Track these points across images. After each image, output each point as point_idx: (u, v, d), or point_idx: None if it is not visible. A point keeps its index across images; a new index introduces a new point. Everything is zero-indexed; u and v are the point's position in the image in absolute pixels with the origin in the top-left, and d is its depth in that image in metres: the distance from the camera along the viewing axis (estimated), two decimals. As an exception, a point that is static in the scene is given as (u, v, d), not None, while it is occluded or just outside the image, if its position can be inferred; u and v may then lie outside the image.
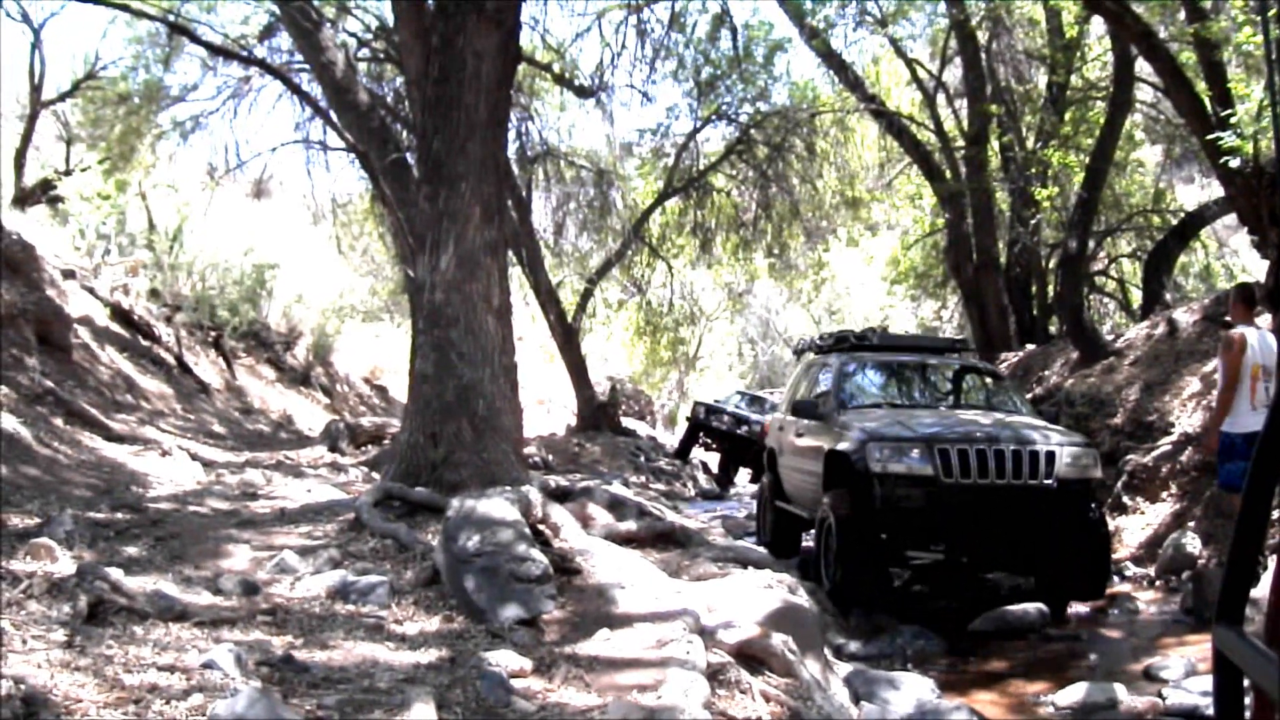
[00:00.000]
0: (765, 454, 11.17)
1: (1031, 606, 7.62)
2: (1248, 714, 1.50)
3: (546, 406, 30.26)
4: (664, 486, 16.76)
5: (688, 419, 22.53)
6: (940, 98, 19.00)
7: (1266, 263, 10.04)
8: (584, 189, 22.63)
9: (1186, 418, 10.03)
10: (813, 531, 9.13)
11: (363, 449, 13.20)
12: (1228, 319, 9.40)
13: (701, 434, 21.25)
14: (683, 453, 21.40)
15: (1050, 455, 7.62)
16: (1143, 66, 14.67)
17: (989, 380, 10.31)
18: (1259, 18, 8.35)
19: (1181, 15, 11.62)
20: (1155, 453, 9.88)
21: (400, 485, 7.13)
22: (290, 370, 19.46)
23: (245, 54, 15.71)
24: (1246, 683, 1.44)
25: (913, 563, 8.55)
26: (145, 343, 14.85)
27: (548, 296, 20.83)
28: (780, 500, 10.29)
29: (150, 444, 10.22)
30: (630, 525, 7.26)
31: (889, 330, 13.38)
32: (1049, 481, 7.55)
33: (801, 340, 13.10)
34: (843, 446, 8.03)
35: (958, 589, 8.88)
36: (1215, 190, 16.86)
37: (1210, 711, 1.64)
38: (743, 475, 21.64)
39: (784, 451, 10.29)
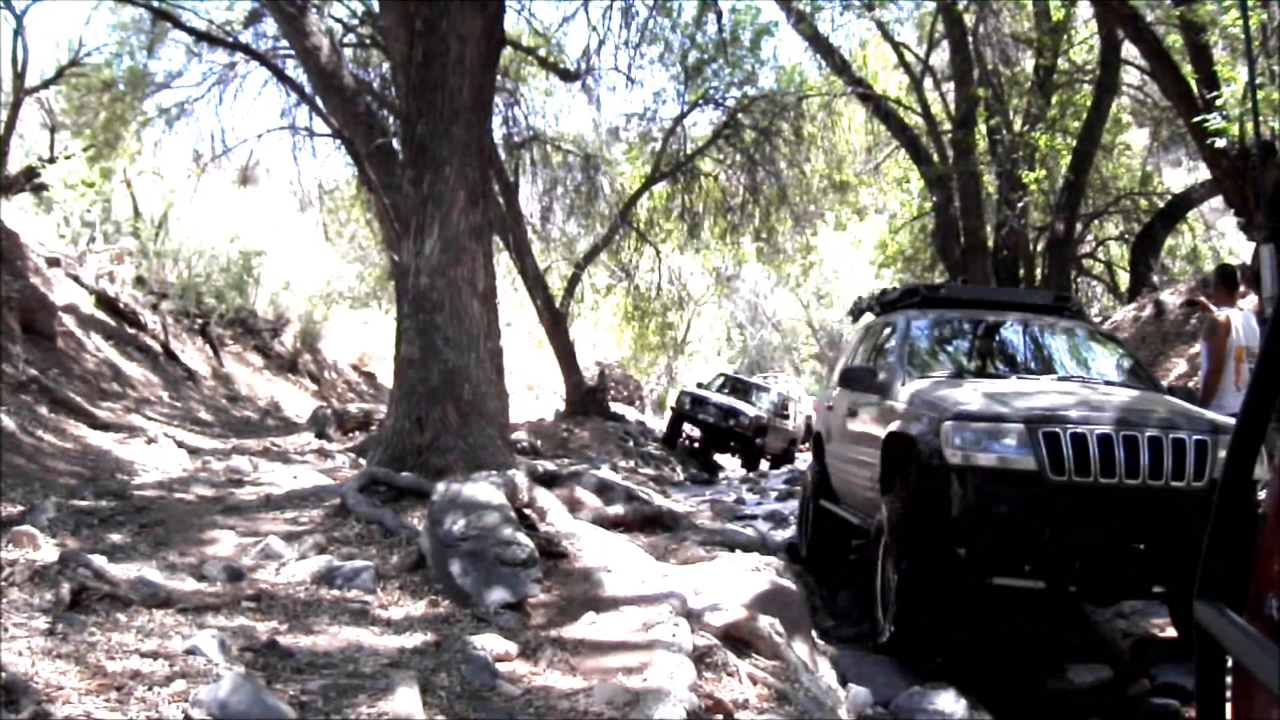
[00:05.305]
0: (811, 439, 9.37)
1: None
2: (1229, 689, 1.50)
3: (535, 392, 30.27)
4: (653, 471, 16.76)
5: (672, 409, 22.50)
6: (927, 81, 19.04)
7: (1252, 244, 10.06)
8: (571, 174, 22.59)
9: (1172, 399, 10.04)
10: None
11: (350, 435, 13.16)
12: (1195, 300, 9.41)
13: (687, 424, 21.23)
14: (670, 440, 21.40)
15: (1202, 446, 5.33)
16: (1129, 50, 14.70)
17: (1107, 348, 7.57)
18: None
19: (1168, -2, 11.63)
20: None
21: (386, 470, 7.11)
22: (277, 357, 19.39)
23: (230, 40, 15.62)
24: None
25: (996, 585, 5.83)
26: (131, 330, 14.78)
27: (535, 282, 20.78)
28: (826, 499, 8.18)
29: (136, 431, 10.17)
30: (618, 509, 7.26)
31: (968, 283, 11.28)
32: (1200, 484, 5.27)
33: (860, 299, 9.97)
34: (907, 428, 5.97)
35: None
36: (1202, 173, 16.92)
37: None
38: (732, 461, 21.69)
39: (832, 437, 8.27)
